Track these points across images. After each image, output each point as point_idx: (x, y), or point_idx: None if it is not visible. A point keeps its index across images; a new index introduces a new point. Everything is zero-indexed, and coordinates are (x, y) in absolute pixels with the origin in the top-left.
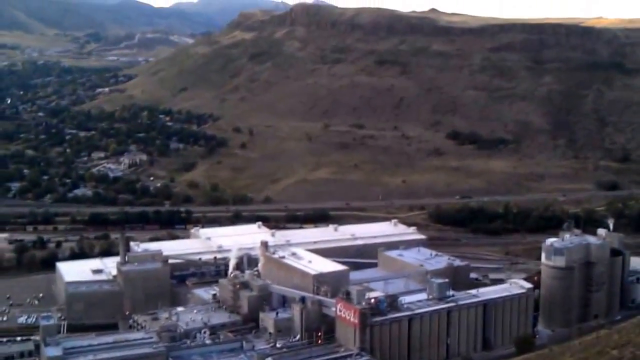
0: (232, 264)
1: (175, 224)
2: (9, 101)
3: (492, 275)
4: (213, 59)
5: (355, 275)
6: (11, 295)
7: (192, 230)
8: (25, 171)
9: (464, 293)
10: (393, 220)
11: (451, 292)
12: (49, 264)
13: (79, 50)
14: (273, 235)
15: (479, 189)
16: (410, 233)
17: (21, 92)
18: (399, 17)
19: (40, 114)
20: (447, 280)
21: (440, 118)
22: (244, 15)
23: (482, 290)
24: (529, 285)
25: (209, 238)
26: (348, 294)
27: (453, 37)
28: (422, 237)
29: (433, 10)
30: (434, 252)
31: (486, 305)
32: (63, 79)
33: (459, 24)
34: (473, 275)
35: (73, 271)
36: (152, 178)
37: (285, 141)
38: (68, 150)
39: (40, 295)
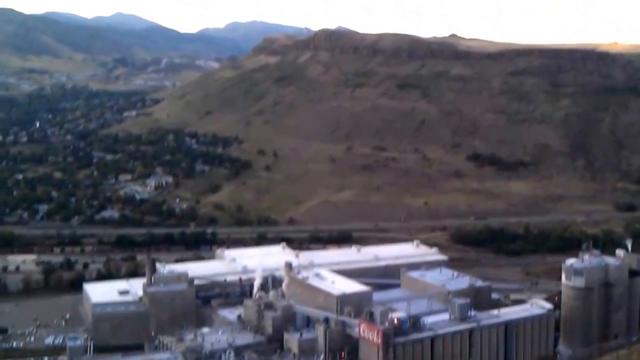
0: (256, 284)
1: (200, 245)
2: (37, 124)
3: (513, 296)
4: (238, 82)
5: (378, 295)
6: (38, 316)
7: (218, 252)
8: (54, 193)
9: (486, 313)
10: (415, 242)
11: (473, 313)
12: (76, 285)
13: (106, 74)
14: (297, 256)
15: (499, 210)
16: (432, 254)
17: (50, 116)
18: (420, 42)
19: (69, 137)
20: (468, 300)
21: (461, 140)
22: (268, 40)
23: (503, 310)
24: (549, 305)
25: (234, 259)
26: (371, 314)
27: (472, 62)
28: (444, 257)
29: (453, 35)
30: (455, 273)
31: (507, 325)
32: (91, 102)
33: (477, 49)
34: (494, 295)
35: (100, 292)
36: (178, 200)
37: (309, 163)
38: (95, 172)
39: (67, 316)
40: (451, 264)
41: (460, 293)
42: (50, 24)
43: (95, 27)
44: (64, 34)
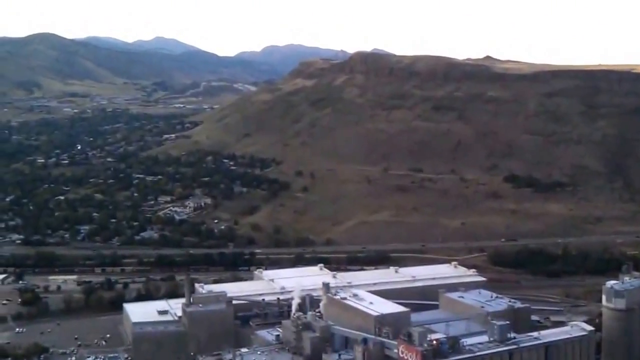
0: (294, 305)
1: (239, 265)
2: (79, 147)
3: (553, 318)
4: (275, 105)
5: (416, 316)
6: (79, 335)
7: (256, 272)
8: (94, 214)
9: (525, 335)
10: (453, 263)
11: (512, 335)
12: (116, 305)
13: (146, 98)
14: (334, 276)
15: (537, 231)
16: (470, 275)
17: (91, 139)
18: (455, 65)
19: (109, 159)
20: (508, 322)
21: (497, 162)
22: (305, 63)
23: (543, 332)
24: (590, 327)
25: (272, 280)
26: (409, 335)
27: (507, 84)
28: (482, 279)
29: (488, 57)
30: (494, 294)
31: (548, 347)
32: (131, 125)
33: (513, 70)
34: (534, 317)
35: (139, 312)
36: (216, 221)
37: (346, 184)
38: (135, 194)
39: (108, 335)
40: (490, 285)
41: (499, 314)
42: (91, 48)
43: (135, 51)
44: (105, 58)
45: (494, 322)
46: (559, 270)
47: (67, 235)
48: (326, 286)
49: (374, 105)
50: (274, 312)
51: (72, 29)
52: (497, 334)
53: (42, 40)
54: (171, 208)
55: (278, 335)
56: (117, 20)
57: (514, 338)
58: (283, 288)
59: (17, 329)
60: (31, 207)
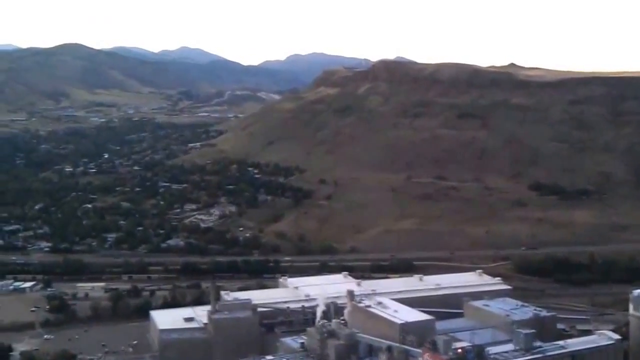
0: (319, 313)
1: (263, 273)
2: (106, 156)
3: (580, 326)
4: (299, 114)
5: (440, 325)
6: (107, 342)
7: (280, 280)
8: (121, 222)
9: (551, 344)
10: (478, 271)
11: (538, 343)
12: (142, 312)
13: (172, 107)
14: (359, 284)
15: (563, 239)
16: (495, 283)
17: (118, 148)
18: (479, 72)
19: (136, 167)
20: (533, 331)
21: (522, 169)
22: (328, 72)
23: (569, 341)
24: (617, 336)
25: (296, 287)
26: (434, 343)
27: (532, 91)
28: (507, 287)
29: (512, 64)
30: (519, 303)
31: (574, 356)
32: (157, 134)
33: (537, 77)
34: (560, 326)
35: (166, 319)
36: (241, 229)
37: (370, 192)
38: (162, 202)
39: (135, 342)
40: (515, 293)
41: (525, 323)
42: (118, 58)
43: (161, 61)
44: (131, 68)
45: (519, 330)
46: (585, 279)
47: (94, 243)
48: (350, 294)
49: (397, 114)
50: (298, 319)
51: (99, 39)
52: (523, 342)
53: (69, 51)
54: (197, 216)
55: (303, 343)
56: (143, 30)
57: (540, 347)
58: (308, 296)
59: (46, 336)
60: (59, 215)
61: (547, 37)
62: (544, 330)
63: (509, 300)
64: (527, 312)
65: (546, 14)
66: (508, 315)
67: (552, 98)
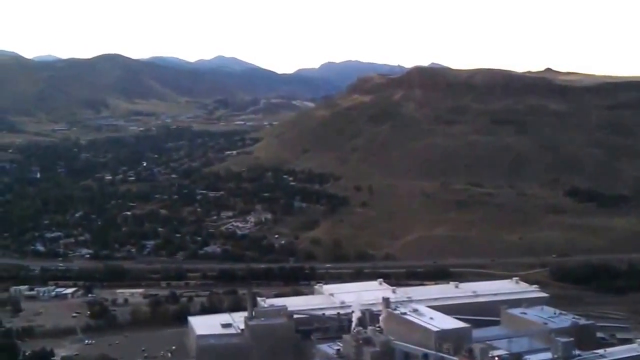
0: (355, 319)
1: (299, 280)
2: (145, 164)
3: (619, 335)
4: (333, 121)
5: (477, 332)
6: (146, 347)
7: (316, 287)
8: (160, 229)
9: (591, 353)
10: (514, 278)
11: (577, 352)
12: (181, 318)
13: (208, 115)
14: (394, 291)
15: (600, 246)
16: (532, 291)
17: (156, 156)
18: (514, 77)
19: (173, 175)
20: (572, 339)
21: (558, 176)
22: (362, 79)
23: (609, 350)
24: None
25: (331, 294)
26: (471, 351)
27: (569, 96)
28: (545, 295)
29: (548, 69)
30: (557, 311)
31: None
32: (194, 142)
33: (574, 82)
34: (599, 334)
35: (204, 325)
36: (277, 236)
37: (404, 199)
38: (199, 209)
39: (173, 347)
40: (552, 301)
41: (563, 331)
42: (155, 68)
43: (197, 70)
44: (169, 77)
45: (557, 338)
46: (625, 287)
47: (133, 250)
48: (386, 301)
49: (431, 120)
50: (334, 326)
51: (137, 50)
52: (561, 351)
53: (108, 61)
54: (233, 223)
55: (339, 349)
56: (180, 40)
57: (579, 355)
58: (343, 302)
59: (86, 341)
60: (99, 223)
61: (584, 41)
62: (583, 338)
63: (546, 308)
64: (566, 320)
65: (583, 18)
66: (546, 324)
67: (590, 103)
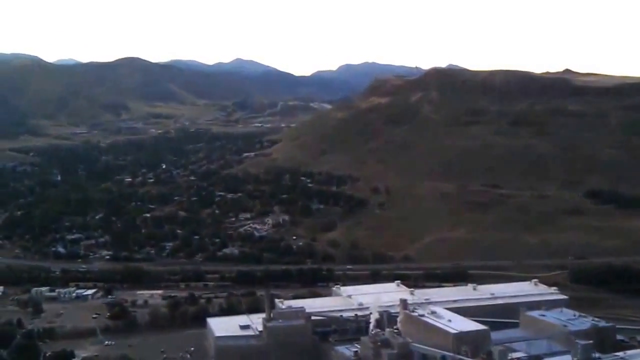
0: (372, 321)
1: (317, 281)
2: (164, 166)
3: None
4: (351, 123)
5: (495, 335)
6: (165, 349)
7: (334, 288)
8: (179, 231)
9: (611, 355)
10: (533, 280)
11: (597, 355)
12: (199, 319)
13: (226, 118)
14: (412, 293)
15: (621, 248)
16: (552, 293)
17: (175, 158)
18: (533, 78)
19: (192, 177)
20: (592, 341)
21: (578, 177)
22: (379, 81)
23: (629, 352)
24: None
25: (349, 296)
26: (489, 354)
27: (588, 97)
28: (564, 297)
29: (567, 70)
30: (577, 313)
31: None
32: (212, 145)
33: (594, 83)
34: (619, 337)
35: (222, 326)
36: (294, 237)
37: (422, 201)
38: (217, 211)
39: (192, 349)
40: (572, 303)
41: (582, 334)
42: (174, 71)
43: (215, 73)
44: (187, 80)
45: (577, 341)
46: None
47: (153, 252)
48: (404, 303)
49: (449, 122)
50: (352, 328)
51: (157, 53)
52: (581, 353)
53: (128, 65)
54: (251, 225)
55: (356, 352)
56: (199, 43)
57: (599, 358)
58: (361, 304)
59: (106, 342)
60: (119, 225)
61: (603, 42)
62: (603, 341)
63: (566, 310)
64: (585, 322)
65: (602, 18)
66: (565, 326)
67: (609, 104)
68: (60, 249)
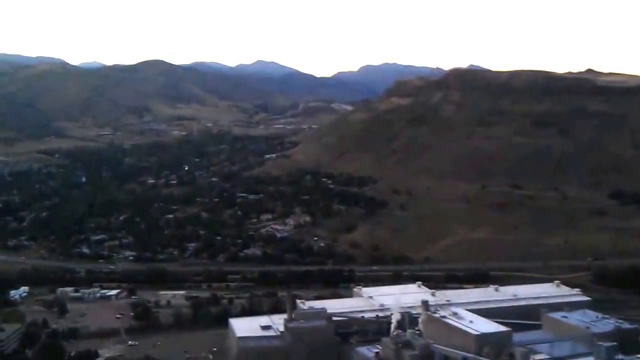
0: (394, 322)
1: (338, 282)
2: (186, 168)
3: None
4: (372, 124)
5: (518, 336)
6: (188, 349)
7: (355, 289)
8: (201, 232)
9: (634, 357)
10: (556, 282)
11: (620, 356)
12: (222, 320)
13: (248, 119)
14: (433, 294)
15: None
16: (574, 294)
17: (197, 160)
18: (555, 78)
19: (214, 179)
20: (615, 343)
21: (601, 178)
22: (401, 82)
23: None
24: None
25: (370, 297)
26: (511, 355)
27: (612, 97)
28: (587, 298)
29: (589, 70)
30: (600, 315)
31: None
32: (234, 146)
33: (617, 83)
34: None
35: (244, 327)
36: (315, 238)
37: (443, 202)
38: (239, 212)
39: (214, 349)
40: (595, 305)
41: (606, 336)
42: (196, 73)
43: (237, 75)
44: (209, 82)
45: (600, 343)
46: None
47: (175, 252)
48: (425, 304)
49: (471, 122)
50: (373, 329)
51: (179, 55)
52: (604, 355)
53: (151, 67)
54: (272, 226)
55: (377, 352)
56: (220, 45)
57: None
58: (382, 305)
59: (130, 342)
60: (143, 226)
61: (626, 41)
62: (626, 343)
63: (588, 312)
64: (608, 324)
65: (625, 18)
66: (588, 328)
67: (633, 104)
68: (85, 250)
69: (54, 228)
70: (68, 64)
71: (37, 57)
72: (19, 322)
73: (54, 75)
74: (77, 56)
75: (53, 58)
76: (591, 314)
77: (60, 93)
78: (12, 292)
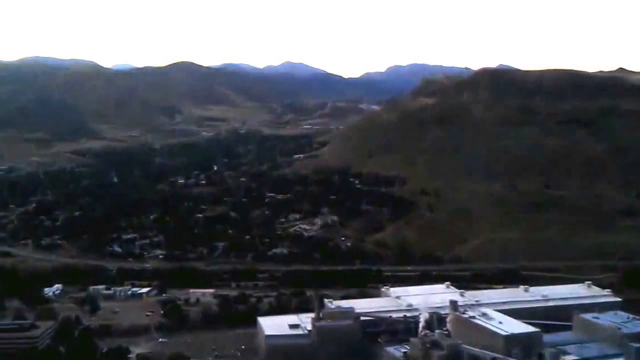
0: (422, 322)
1: (365, 282)
2: (215, 168)
3: None
4: (400, 124)
5: (547, 337)
6: (217, 347)
7: (383, 289)
8: (229, 231)
9: None
10: (586, 282)
11: None
12: (250, 318)
13: (276, 120)
14: (462, 294)
15: None
16: (605, 295)
17: (226, 160)
18: (585, 78)
19: (243, 179)
20: None
21: (632, 178)
22: (428, 81)
23: None
24: None
25: (398, 297)
26: (541, 356)
27: None
28: (618, 299)
29: (620, 69)
30: (631, 316)
31: None
32: (263, 146)
33: None
34: None
35: (272, 325)
36: (343, 238)
37: (472, 202)
38: (267, 212)
39: (243, 347)
40: (626, 306)
41: (636, 337)
42: (226, 75)
43: (266, 76)
44: (239, 83)
45: (631, 344)
46: None
47: (205, 251)
48: (454, 304)
49: (500, 122)
50: (401, 328)
51: (209, 57)
52: (634, 356)
53: (181, 69)
54: (300, 225)
55: (406, 352)
56: (250, 47)
57: None
58: (410, 305)
59: (160, 339)
60: (173, 225)
61: None
62: None
63: (619, 312)
64: (639, 325)
65: None
66: (619, 329)
67: None
68: (116, 249)
69: (86, 227)
70: (101, 66)
71: (70, 59)
72: (52, 319)
73: (87, 77)
74: (109, 59)
75: (86, 60)
76: (622, 315)
77: (94, 95)
78: (46, 290)
